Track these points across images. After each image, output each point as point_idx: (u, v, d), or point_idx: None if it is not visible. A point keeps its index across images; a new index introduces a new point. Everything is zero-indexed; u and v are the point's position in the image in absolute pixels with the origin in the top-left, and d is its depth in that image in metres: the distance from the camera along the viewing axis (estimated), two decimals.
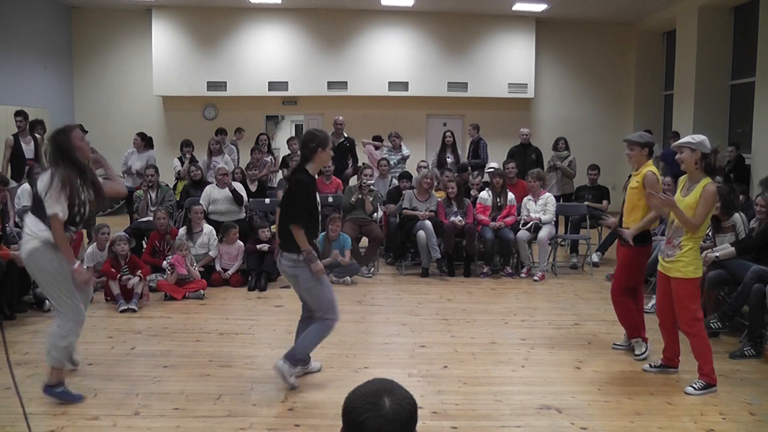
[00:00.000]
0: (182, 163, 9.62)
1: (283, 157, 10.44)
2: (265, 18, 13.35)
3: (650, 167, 4.90)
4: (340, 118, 9.93)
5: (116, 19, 13.54)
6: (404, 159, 9.99)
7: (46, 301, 6.23)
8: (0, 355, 5.02)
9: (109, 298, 6.56)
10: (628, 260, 4.99)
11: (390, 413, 1.53)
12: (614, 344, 5.38)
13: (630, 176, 5.24)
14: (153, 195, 8.36)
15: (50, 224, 3.94)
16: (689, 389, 4.37)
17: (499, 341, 5.52)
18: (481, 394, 4.37)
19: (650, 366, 4.82)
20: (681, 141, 4.44)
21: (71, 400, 4.11)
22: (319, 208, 4.59)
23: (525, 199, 8.26)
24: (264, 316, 6.25)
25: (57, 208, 3.92)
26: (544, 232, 7.92)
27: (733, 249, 5.69)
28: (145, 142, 9.65)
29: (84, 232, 8.61)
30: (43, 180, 4.00)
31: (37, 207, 4.01)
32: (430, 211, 8.11)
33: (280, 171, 10.06)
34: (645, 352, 5.07)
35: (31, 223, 4.02)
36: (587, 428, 3.85)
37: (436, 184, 8.73)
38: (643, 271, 5.18)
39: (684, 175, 4.54)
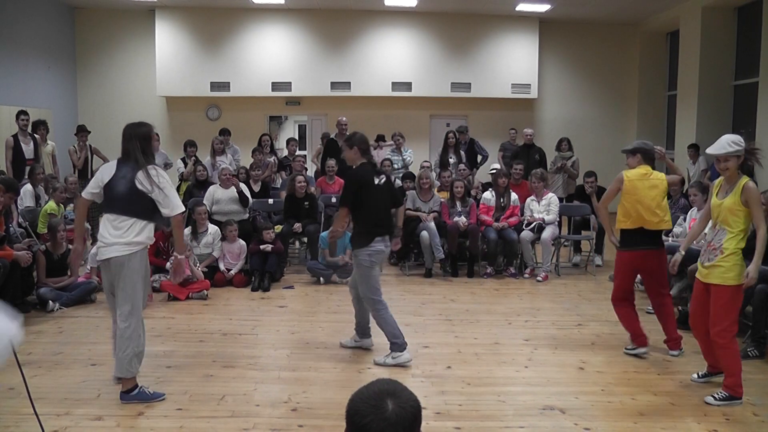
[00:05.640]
0: (185, 164, 9.63)
1: (281, 160, 10.38)
2: (269, 18, 13.36)
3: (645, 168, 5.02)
4: (344, 118, 9.94)
5: (119, 20, 13.56)
6: (406, 166, 9.97)
7: (50, 302, 6.25)
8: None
9: None
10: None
11: (393, 416, 1.53)
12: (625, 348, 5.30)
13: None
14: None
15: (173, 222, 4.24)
16: (710, 399, 4.20)
17: (502, 342, 5.52)
18: (485, 394, 4.37)
19: (698, 376, 4.59)
20: (723, 150, 4.16)
21: (154, 397, 4.15)
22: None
23: (528, 200, 8.26)
24: (267, 317, 6.25)
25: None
26: (547, 233, 7.91)
27: None
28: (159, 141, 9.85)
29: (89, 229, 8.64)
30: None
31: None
32: (433, 211, 8.11)
33: (280, 174, 9.98)
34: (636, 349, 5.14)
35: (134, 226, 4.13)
36: (590, 429, 3.84)
37: (437, 184, 8.73)
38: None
39: (719, 178, 4.41)
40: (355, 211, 4.92)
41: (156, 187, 4.08)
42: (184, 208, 4.25)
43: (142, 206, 4.09)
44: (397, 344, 4.89)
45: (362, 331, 5.24)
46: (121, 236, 4.04)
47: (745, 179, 4.19)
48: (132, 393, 4.10)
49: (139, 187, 4.05)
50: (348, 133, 9.74)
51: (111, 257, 4.04)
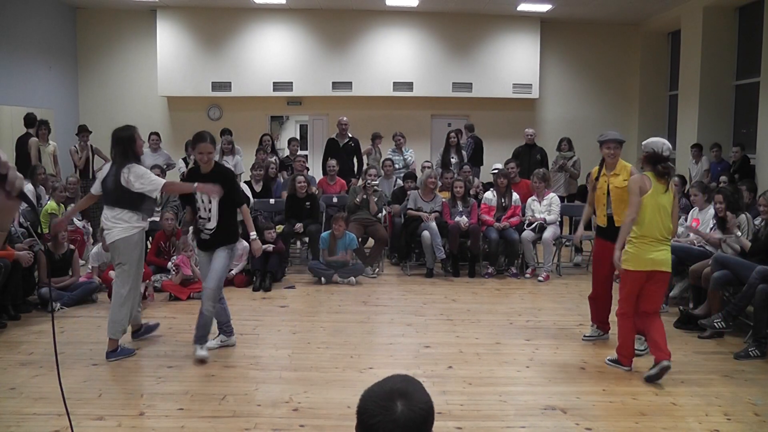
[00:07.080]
0: (187, 164, 9.63)
1: (282, 159, 10.36)
2: (270, 18, 13.36)
3: (629, 165, 5.21)
4: (344, 118, 9.94)
5: (121, 20, 13.57)
6: (407, 166, 9.97)
7: (51, 302, 6.25)
8: (5, 355, 5.05)
9: None
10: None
11: (401, 418, 1.51)
12: (584, 336, 5.62)
13: (599, 172, 5.41)
14: (157, 195, 8.34)
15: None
16: (607, 360, 4.92)
17: (503, 341, 5.52)
18: (486, 394, 4.37)
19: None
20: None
21: (129, 353, 5.04)
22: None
23: (530, 200, 8.25)
24: (269, 317, 6.25)
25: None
26: (548, 233, 7.91)
27: (749, 243, 5.73)
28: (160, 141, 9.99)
29: (90, 231, 8.65)
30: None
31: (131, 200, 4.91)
32: (435, 211, 8.11)
33: (280, 174, 9.96)
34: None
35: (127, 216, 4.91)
36: (592, 429, 3.84)
37: (439, 184, 8.74)
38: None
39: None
40: (232, 207, 5.11)
41: (137, 183, 4.83)
42: (163, 180, 5.16)
43: (128, 199, 4.87)
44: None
45: (227, 329, 5.33)
46: (118, 222, 4.88)
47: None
48: (117, 351, 4.94)
49: (124, 184, 4.82)
50: (346, 132, 9.86)
51: (115, 240, 4.87)
